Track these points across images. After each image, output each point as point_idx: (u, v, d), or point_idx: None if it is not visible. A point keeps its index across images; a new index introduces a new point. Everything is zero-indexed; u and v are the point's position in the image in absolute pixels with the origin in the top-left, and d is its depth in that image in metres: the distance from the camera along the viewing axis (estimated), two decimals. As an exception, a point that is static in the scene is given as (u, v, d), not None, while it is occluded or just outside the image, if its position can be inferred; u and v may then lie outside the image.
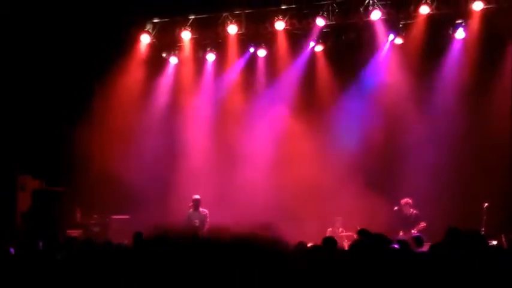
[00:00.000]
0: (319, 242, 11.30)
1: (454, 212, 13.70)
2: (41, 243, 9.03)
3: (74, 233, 14.49)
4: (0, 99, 15.38)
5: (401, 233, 13.82)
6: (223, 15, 16.43)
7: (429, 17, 15.24)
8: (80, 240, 10.55)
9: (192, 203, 14.96)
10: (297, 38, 16.45)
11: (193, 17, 16.63)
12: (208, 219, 14.83)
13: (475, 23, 15.04)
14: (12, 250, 8.65)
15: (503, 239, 12.11)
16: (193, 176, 16.14)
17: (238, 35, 16.57)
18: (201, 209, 14.96)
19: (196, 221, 14.74)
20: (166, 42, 17.24)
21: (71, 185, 15.40)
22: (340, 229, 14.70)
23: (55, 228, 14.06)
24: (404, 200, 14.48)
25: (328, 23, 15.86)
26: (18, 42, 15.31)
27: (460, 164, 14.93)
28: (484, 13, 14.87)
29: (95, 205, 16.14)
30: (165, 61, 17.42)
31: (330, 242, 8.31)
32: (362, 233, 7.83)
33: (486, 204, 13.44)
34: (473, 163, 14.96)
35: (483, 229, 12.85)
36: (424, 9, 15.10)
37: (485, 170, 14.81)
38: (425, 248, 9.85)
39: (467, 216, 13.44)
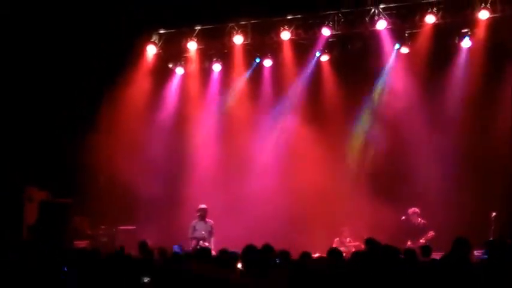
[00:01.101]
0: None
1: (462, 221, 13.66)
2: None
3: (82, 243, 14.50)
4: (6, 110, 15.41)
5: (409, 243, 13.79)
6: (229, 25, 16.49)
7: (435, 26, 15.24)
8: (88, 251, 10.54)
9: (198, 213, 14.89)
10: (302, 48, 16.47)
11: (199, 27, 16.70)
12: (214, 230, 14.79)
13: (481, 32, 15.03)
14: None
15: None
16: (200, 186, 16.15)
17: (244, 45, 16.61)
18: (207, 220, 14.91)
19: (203, 232, 14.66)
20: (172, 53, 17.30)
21: (78, 196, 15.41)
22: (348, 239, 14.66)
23: (63, 239, 14.05)
24: (411, 210, 14.45)
25: (334, 33, 15.89)
26: (26, 53, 15.37)
27: (468, 172, 14.89)
28: (490, 22, 14.86)
29: (102, 216, 16.15)
30: (171, 72, 17.48)
31: (335, 254, 8.22)
32: (369, 242, 7.78)
33: (494, 214, 13.41)
34: (481, 171, 14.93)
35: (491, 238, 12.79)
36: (430, 19, 15.10)
37: (492, 178, 14.77)
38: (434, 257, 9.81)
39: (476, 225, 13.41)
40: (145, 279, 8.64)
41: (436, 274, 6.76)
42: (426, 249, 10.36)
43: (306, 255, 8.57)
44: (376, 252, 6.98)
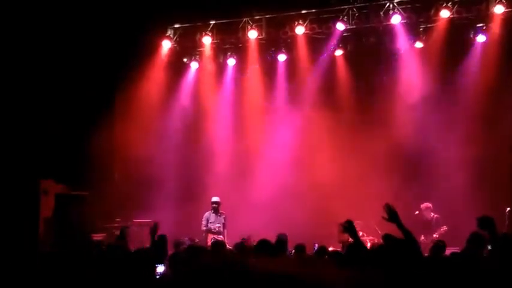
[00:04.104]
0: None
1: (477, 216, 13.60)
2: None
3: (98, 236, 14.60)
4: (22, 103, 15.51)
5: (422, 238, 13.79)
6: (244, 20, 16.56)
7: (450, 20, 15.21)
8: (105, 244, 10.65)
9: (212, 205, 15.03)
10: (317, 42, 16.49)
11: (213, 22, 16.78)
12: (227, 222, 14.95)
13: (496, 26, 14.99)
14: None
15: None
16: (216, 179, 16.27)
17: (258, 39, 16.66)
18: (221, 212, 15.06)
19: (218, 224, 14.82)
20: (187, 47, 17.38)
21: (93, 189, 15.52)
22: (361, 233, 14.63)
23: (79, 232, 14.15)
24: (424, 205, 14.47)
25: (348, 27, 15.90)
26: (42, 46, 15.44)
27: (483, 166, 14.85)
28: (505, 16, 14.81)
29: (117, 209, 16.27)
30: (186, 66, 17.56)
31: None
32: (387, 238, 7.78)
33: (508, 209, 13.38)
34: (496, 165, 14.88)
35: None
36: (445, 13, 15.08)
37: (508, 172, 14.72)
38: (447, 252, 9.83)
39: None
40: (159, 269, 8.75)
41: (453, 269, 6.76)
42: (440, 245, 10.36)
43: (322, 250, 8.60)
44: (395, 248, 6.91)
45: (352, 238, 6.71)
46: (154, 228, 9.48)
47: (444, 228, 14.09)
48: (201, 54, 17.38)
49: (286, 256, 8.18)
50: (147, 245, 10.04)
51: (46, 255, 8.93)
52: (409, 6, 15.46)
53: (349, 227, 6.64)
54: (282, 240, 8.49)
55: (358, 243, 6.67)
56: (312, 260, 7.93)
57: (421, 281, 5.95)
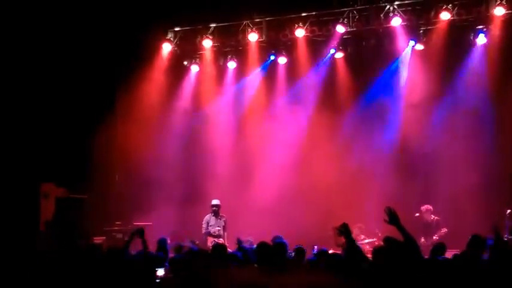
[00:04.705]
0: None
1: (477, 218, 13.63)
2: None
3: (98, 240, 14.60)
4: (22, 107, 15.53)
5: (422, 240, 13.80)
6: (244, 23, 16.57)
7: (450, 22, 15.20)
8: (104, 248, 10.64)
9: (212, 208, 15.03)
10: (317, 45, 16.49)
11: (214, 25, 16.80)
12: (227, 225, 14.95)
13: (496, 28, 14.98)
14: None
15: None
16: (215, 182, 16.27)
17: (258, 42, 16.68)
18: (221, 215, 15.06)
19: (218, 228, 14.83)
20: (187, 50, 17.39)
21: (94, 192, 15.52)
22: (362, 236, 14.66)
23: (79, 236, 14.16)
24: (424, 207, 14.48)
25: (349, 30, 15.89)
26: (41, 48, 15.46)
27: (484, 169, 14.84)
28: (506, 19, 14.81)
29: (117, 211, 16.28)
30: (186, 69, 17.57)
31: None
32: (388, 240, 7.79)
33: (509, 211, 13.37)
34: (498, 168, 14.87)
35: (506, 236, 12.76)
36: (445, 15, 15.07)
37: (508, 174, 14.72)
38: (447, 254, 9.82)
39: (490, 222, 13.35)
40: (160, 272, 8.75)
41: (453, 272, 6.77)
42: (440, 246, 10.35)
43: (322, 253, 8.59)
44: (397, 250, 6.90)
45: (346, 241, 6.71)
46: (136, 233, 9.28)
47: (444, 230, 14.09)
48: (201, 57, 17.39)
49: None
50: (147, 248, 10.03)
51: (46, 259, 8.93)
52: (409, 8, 15.46)
53: (344, 231, 6.65)
54: (279, 243, 8.46)
55: (353, 246, 6.68)
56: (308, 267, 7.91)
57: (421, 283, 5.95)
